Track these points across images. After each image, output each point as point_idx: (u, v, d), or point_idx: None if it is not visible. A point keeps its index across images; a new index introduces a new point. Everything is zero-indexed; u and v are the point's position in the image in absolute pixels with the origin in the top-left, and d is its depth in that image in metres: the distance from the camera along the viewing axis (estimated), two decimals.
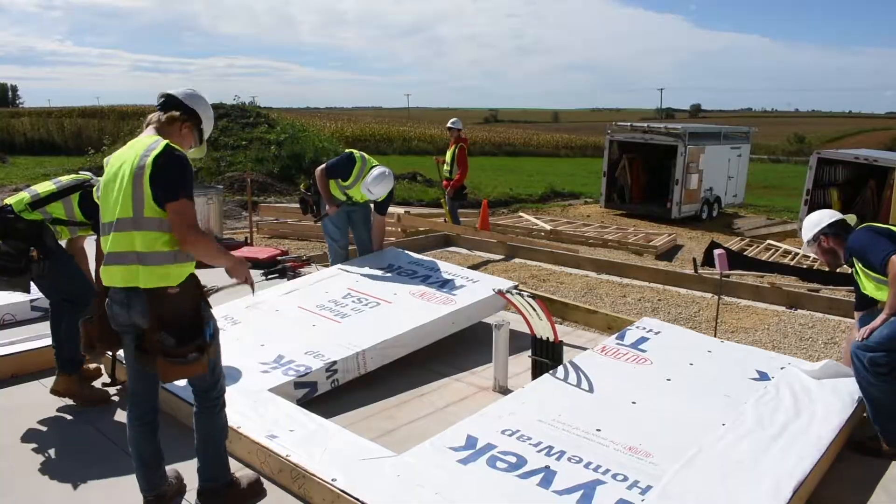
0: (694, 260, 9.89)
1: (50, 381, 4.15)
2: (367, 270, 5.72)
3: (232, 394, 3.14)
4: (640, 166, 17.95)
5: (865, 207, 14.60)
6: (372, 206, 6.20)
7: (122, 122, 28.89)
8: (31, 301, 5.13)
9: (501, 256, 9.03)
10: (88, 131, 27.72)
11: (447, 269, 5.73)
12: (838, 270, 4.37)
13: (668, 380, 3.78)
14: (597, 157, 31.88)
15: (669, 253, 12.30)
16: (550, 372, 3.90)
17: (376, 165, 5.92)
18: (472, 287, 5.27)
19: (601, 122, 42.35)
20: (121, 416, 3.85)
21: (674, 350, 4.18)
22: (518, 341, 4.64)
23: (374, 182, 5.75)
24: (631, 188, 17.83)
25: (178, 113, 2.79)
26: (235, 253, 4.16)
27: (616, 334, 4.45)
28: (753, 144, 22.81)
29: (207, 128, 2.96)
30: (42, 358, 4.31)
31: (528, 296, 4.36)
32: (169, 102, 2.82)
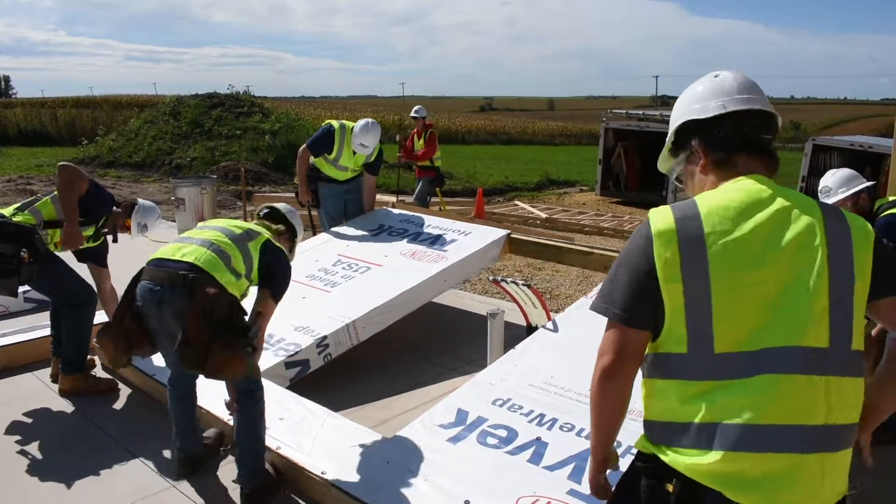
0: None
1: (43, 373, 4.14)
2: (357, 233, 5.66)
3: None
4: (636, 154, 17.92)
5: None
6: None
7: (116, 112, 28.68)
8: (24, 292, 5.10)
9: None
10: (82, 121, 27.42)
11: (438, 223, 5.60)
12: None
13: None
14: (592, 145, 31.84)
15: None
16: (544, 326, 3.81)
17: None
18: (464, 240, 5.19)
19: (597, 110, 42.27)
20: (116, 407, 3.84)
21: None
22: (513, 330, 4.63)
23: (362, 133, 5.64)
24: (626, 176, 17.82)
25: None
26: None
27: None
28: None
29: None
30: (36, 349, 4.30)
31: (522, 284, 4.34)
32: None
